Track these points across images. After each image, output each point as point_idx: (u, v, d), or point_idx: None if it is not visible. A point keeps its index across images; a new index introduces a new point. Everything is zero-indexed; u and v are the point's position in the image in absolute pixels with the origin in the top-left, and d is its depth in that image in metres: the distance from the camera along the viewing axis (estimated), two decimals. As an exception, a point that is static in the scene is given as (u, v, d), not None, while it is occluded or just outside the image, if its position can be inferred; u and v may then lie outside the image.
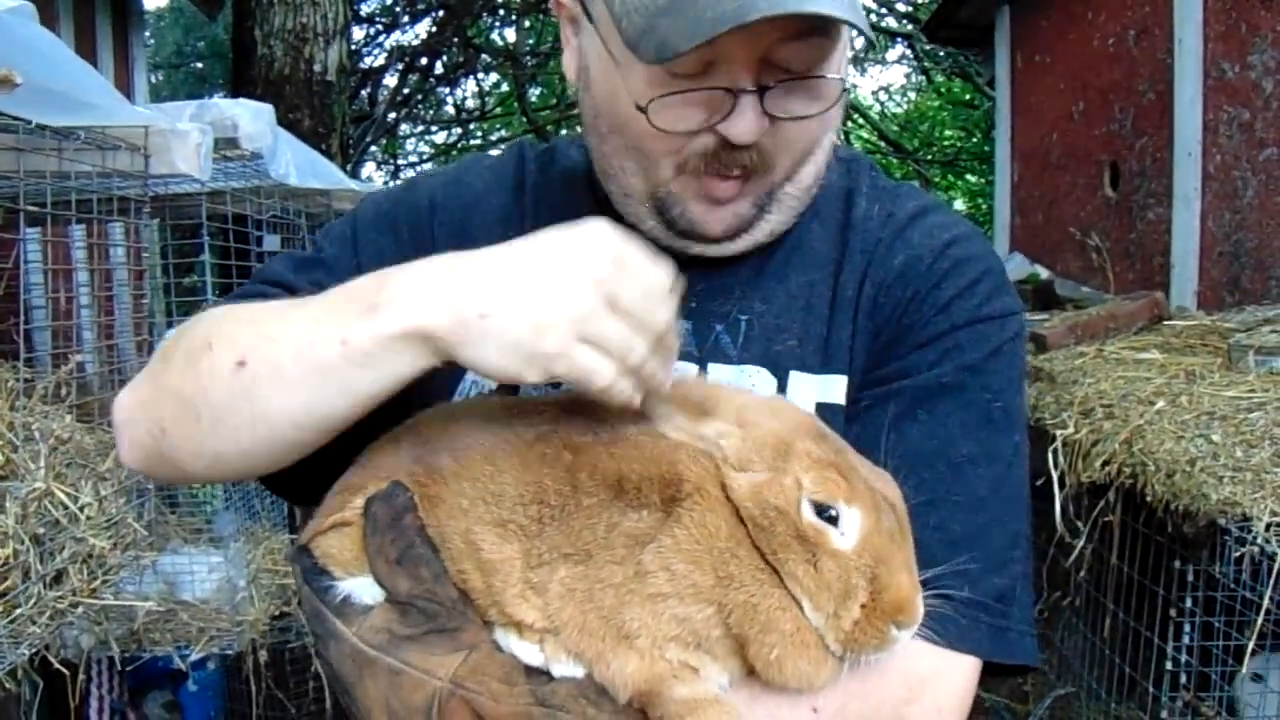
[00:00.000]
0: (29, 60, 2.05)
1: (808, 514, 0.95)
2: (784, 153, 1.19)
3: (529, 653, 1.00)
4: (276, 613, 3.54)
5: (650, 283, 0.98)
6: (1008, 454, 1.18)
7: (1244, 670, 2.27)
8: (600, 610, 0.97)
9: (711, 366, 1.26)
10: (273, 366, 1.04)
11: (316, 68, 6.24)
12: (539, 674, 1.00)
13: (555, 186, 1.40)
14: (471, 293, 0.97)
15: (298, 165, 3.48)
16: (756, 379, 1.24)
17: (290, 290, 1.29)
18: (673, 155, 1.18)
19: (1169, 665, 2.38)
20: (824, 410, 1.21)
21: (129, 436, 1.19)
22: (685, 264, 1.17)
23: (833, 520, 0.95)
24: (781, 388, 1.24)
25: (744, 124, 1.12)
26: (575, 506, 0.99)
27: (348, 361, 1.01)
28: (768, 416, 1.02)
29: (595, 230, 0.99)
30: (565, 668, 0.99)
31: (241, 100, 3.24)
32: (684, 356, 1.19)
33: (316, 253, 1.39)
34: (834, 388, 1.24)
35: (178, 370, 1.12)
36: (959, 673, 1.10)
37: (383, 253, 1.32)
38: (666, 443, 1.01)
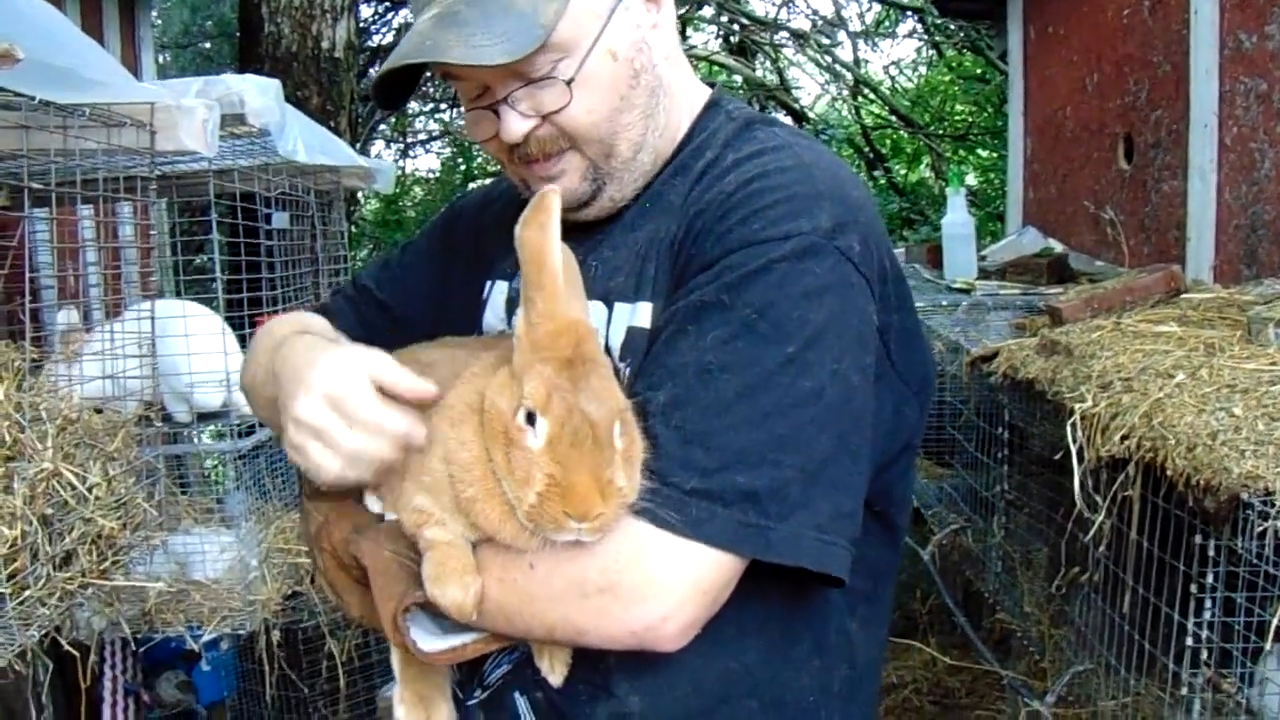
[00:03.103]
0: (31, 35, 2.03)
1: (518, 418, 1.21)
2: (573, 138, 1.45)
3: (373, 503, 1.46)
4: (289, 592, 3.53)
5: (357, 395, 1.30)
6: (772, 364, 1.27)
7: (1268, 647, 2.25)
8: (404, 466, 1.33)
9: None
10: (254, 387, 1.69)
11: (324, 45, 6.19)
12: (383, 519, 1.43)
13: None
14: (286, 397, 1.38)
15: (306, 142, 3.45)
16: (594, 311, 1.46)
17: (363, 290, 1.84)
18: (499, 153, 1.51)
19: (1189, 641, 2.35)
20: (633, 332, 1.44)
21: None
22: (570, 230, 1.45)
23: (533, 425, 1.20)
24: (609, 316, 1.48)
25: (507, 127, 1.44)
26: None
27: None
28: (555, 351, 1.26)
29: (336, 361, 1.33)
30: (390, 516, 1.41)
31: (248, 75, 3.21)
32: None
33: (390, 257, 1.88)
34: (641, 313, 1.44)
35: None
36: (683, 556, 1.23)
37: (420, 250, 1.84)
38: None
